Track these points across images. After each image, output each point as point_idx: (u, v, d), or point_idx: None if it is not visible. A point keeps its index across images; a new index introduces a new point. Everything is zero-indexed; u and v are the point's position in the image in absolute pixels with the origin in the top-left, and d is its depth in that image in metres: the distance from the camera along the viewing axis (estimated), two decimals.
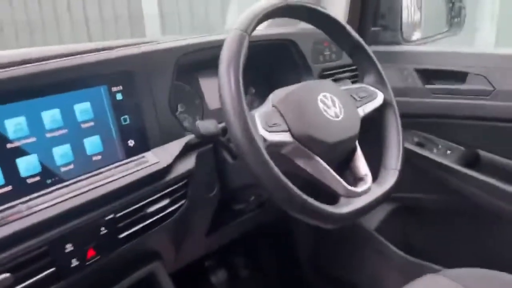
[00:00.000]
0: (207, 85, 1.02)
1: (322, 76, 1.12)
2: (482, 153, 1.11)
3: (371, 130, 0.90)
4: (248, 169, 0.65)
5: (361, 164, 0.81)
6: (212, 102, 1.02)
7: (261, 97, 0.99)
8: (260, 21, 0.73)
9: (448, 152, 1.14)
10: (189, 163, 0.81)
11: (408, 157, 1.19)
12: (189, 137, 0.82)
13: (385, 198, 0.80)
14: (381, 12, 1.30)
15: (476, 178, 1.08)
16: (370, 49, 0.90)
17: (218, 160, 0.88)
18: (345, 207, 0.72)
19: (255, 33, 1.06)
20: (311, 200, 0.68)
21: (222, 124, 0.79)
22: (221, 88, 0.66)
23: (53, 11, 4.42)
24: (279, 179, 0.65)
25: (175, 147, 0.79)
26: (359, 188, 0.76)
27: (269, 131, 0.69)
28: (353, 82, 0.95)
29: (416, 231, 1.34)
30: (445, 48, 1.21)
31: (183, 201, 0.80)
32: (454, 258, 1.20)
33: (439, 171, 1.14)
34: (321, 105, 0.76)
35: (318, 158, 0.74)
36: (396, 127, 0.88)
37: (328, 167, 0.74)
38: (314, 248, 1.48)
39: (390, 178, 0.82)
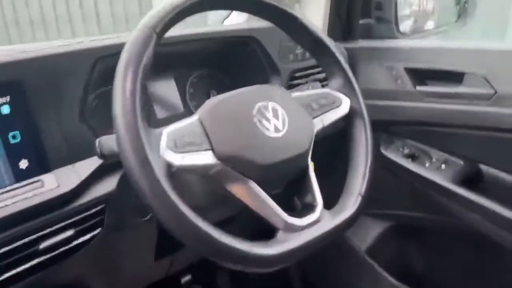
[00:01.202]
0: (157, 89, 0.89)
1: (293, 78, 0.97)
2: (484, 168, 0.92)
3: (340, 145, 0.75)
4: (143, 201, 0.52)
5: (312, 189, 0.66)
6: (161, 110, 0.89)
7: None
8: (177, 17, 0.59)
9: (443, 166, 0.95)
10: (107, 184, 0.69)
11: (397, 171, 1.02)
12: None
13: (341, 231, 0.65)
14: (374, 1, 1.13)
15: (476, 203, 0.88)
16: (334, 46, 0.74)
17: None
18: (278, 246, 0.58)
19: (211, 29, 0.93)
20: (226, 238, 0.54)
21: None
22: (113, 96, 0.53)
23: (66, 8, 4.43)
24: (179, 214, 0.52)
25: (86, 167, 0.67)
26: (305, 220, 0.62)
27: (180, 152, 0.56)
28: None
29: (411, 253, 1.17)
30: (439, 43, 1.02)
31: (97, 231, 0.68)
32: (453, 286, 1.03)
33: (430, 190, 0.96)
34: (257, 117, 0.62)
35: (251, 183, 0.60)
36: (364, 142, 0.72)
37: (262, 194, 0.60)
38: (304, 268, 1.34)
39: (350, 205, 0.67)
